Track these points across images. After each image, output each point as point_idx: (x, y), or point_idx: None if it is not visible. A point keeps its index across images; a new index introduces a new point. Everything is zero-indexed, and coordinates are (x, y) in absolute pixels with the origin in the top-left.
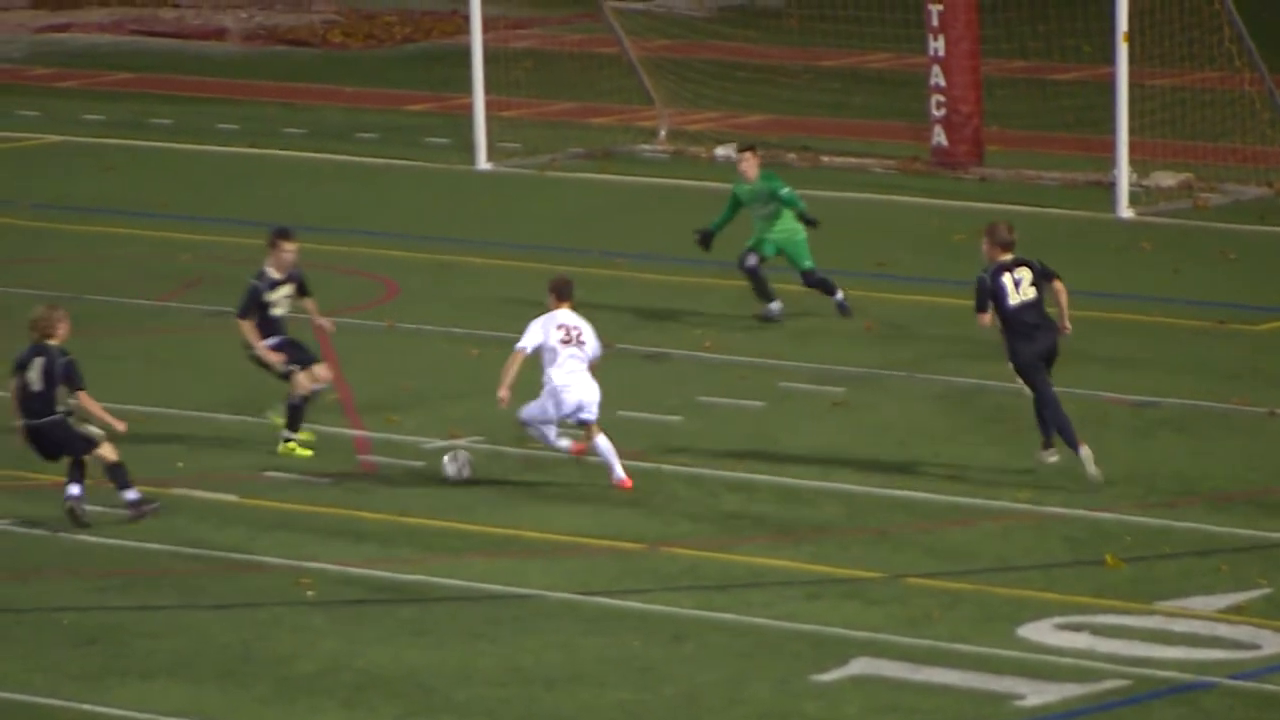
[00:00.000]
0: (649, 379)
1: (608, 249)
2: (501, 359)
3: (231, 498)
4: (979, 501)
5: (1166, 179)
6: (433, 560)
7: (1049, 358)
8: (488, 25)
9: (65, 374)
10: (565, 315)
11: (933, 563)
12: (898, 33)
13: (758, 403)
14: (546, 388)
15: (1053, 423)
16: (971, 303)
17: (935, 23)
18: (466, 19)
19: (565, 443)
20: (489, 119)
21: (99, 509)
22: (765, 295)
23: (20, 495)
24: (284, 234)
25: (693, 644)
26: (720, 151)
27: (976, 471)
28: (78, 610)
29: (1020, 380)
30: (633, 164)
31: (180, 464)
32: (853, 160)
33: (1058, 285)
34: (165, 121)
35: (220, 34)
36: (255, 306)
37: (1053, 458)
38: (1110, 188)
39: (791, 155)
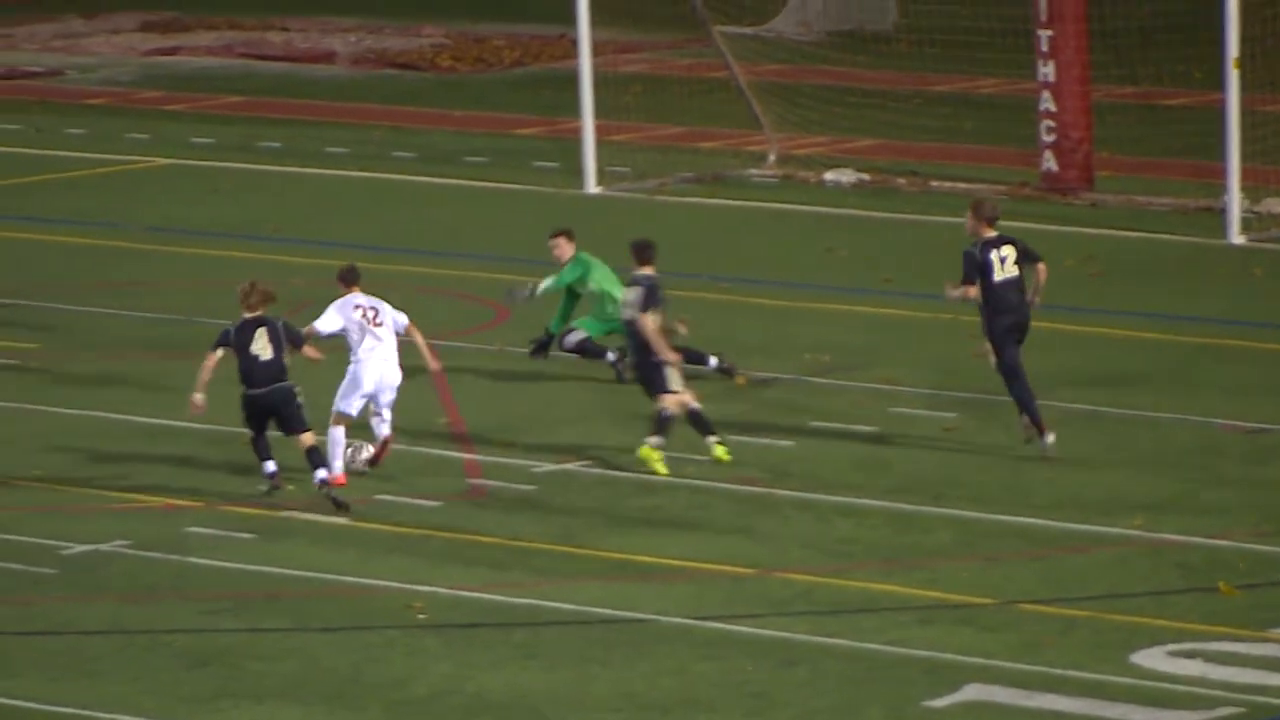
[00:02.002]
0: (761, 404)
1: (717, 273)
2: (613, 383)
3: (343, 521)
4: (1092, 528)
5: (1278, 205)
6: (545, 584)
7: (1022, 333)
8: (597, 49)
9: (290, 335)
10: (360, 297)
11: (1045, 589)
12: (1008, 58)
13: (870, 428)
14: (350, 368)
15: (1018, 397)
16: (961, 275)
17: (1045, 48)
18: (575, 43)
19: (322, 474)
20: (598, 143)
21: (213, 532)
22: (600, 355)
23: (133, 517)
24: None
25: (805, 669)
26: (829, 177)
27: (1090, 498)
28: (190, 633)
29: (990, 351)
30: (742, 188)
31: (291, 486)
32: (962, 185)
33: (1040, 266)
34: (274, 145)
35: (329, 57)
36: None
37: (1050, 438)
38: (1221, 214)
39: (901, 180)
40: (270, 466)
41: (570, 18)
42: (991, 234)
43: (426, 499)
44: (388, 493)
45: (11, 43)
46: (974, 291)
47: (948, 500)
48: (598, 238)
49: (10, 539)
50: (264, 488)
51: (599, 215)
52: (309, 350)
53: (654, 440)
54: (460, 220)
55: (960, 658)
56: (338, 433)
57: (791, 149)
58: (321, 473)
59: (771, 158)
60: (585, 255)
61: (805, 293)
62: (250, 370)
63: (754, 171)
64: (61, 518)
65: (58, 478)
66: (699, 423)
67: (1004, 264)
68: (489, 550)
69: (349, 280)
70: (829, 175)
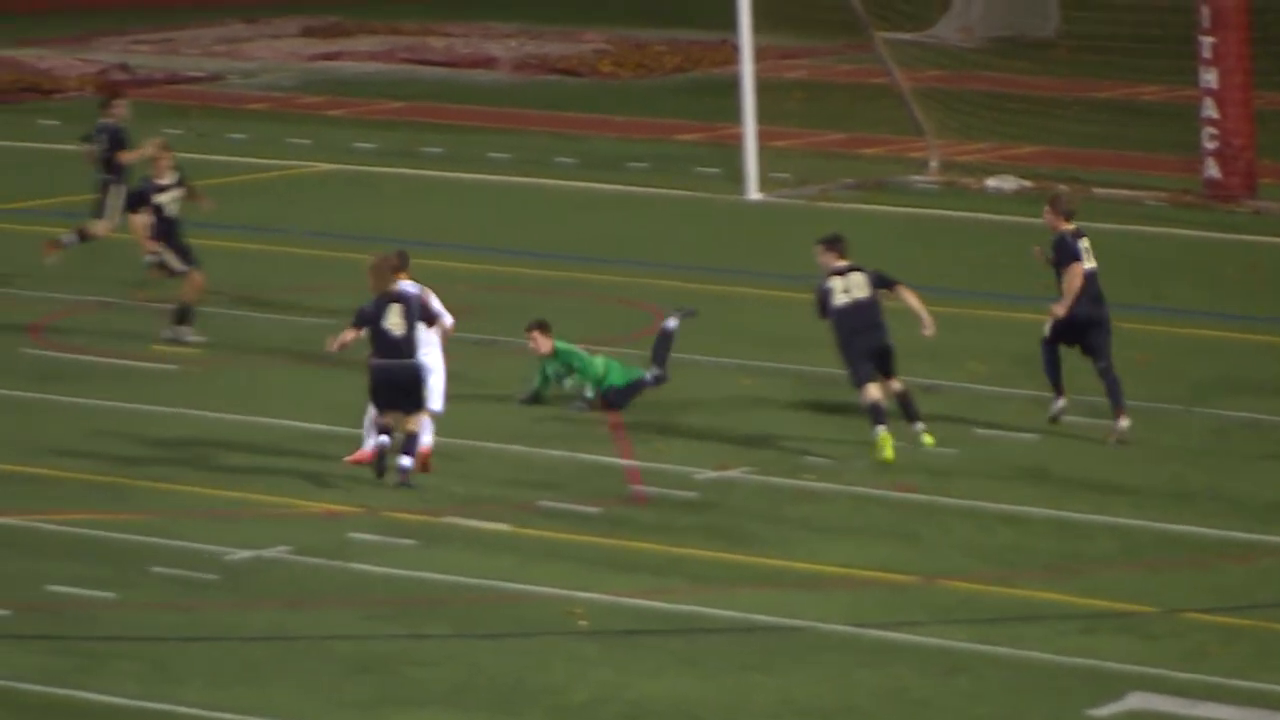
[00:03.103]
0: (924, 410)
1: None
2: (774, 390)
3: (504, 527)
4: (1257, 536)
5: None
6: (705, 591)
7: (1102, 324)
8: (758, 55)
9: (424, 311)
10: (405, 285)
11: (1210, 598)
12: (1169, 65)
13: (1033, 435)
14: None
15: (1046, 367)
16: None
17: (1208, 55)
18: (737, 49)
19: (371, 441)
20: (760, 149)
21: (375, 538)
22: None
23: (294, 523)
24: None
25: (967, 678)
26: (991, 183)
27: (1254, 506)
28: (351, 639)
29: (1049, 330)
30: (904, 195)
31: (461, 490)
32: (1124, 192)
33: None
34: (436, 150)
35: (490, 63)
36: None
37: (1063, 403)
38: None
39: (1063, 187)
40: (383, 439)
41: (732, 23)
42: (1070, 227)
43: (587, 505)
44: (548, 499)
45: (173, 47)
46: (1079, 275)
47: (1110, 508)
48: (759, 244)
49: (173, 544)
50: (377, 462)
51: (760, 221)
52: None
53: (879, 429)
54: (621, 226)
55: (1123, 666)
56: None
57: (953, 155)
58: (406, 460)
59: (933, 164)
60: (563, 345)
61: (967, 299)
62: (382, 343)
63: (916, 178)
64: (224, 523)
65: (219, 483)
66: (907, 408)
67: (1088, 255)
68: (649, 557)
69: (397, 267)
70: (991, 182)
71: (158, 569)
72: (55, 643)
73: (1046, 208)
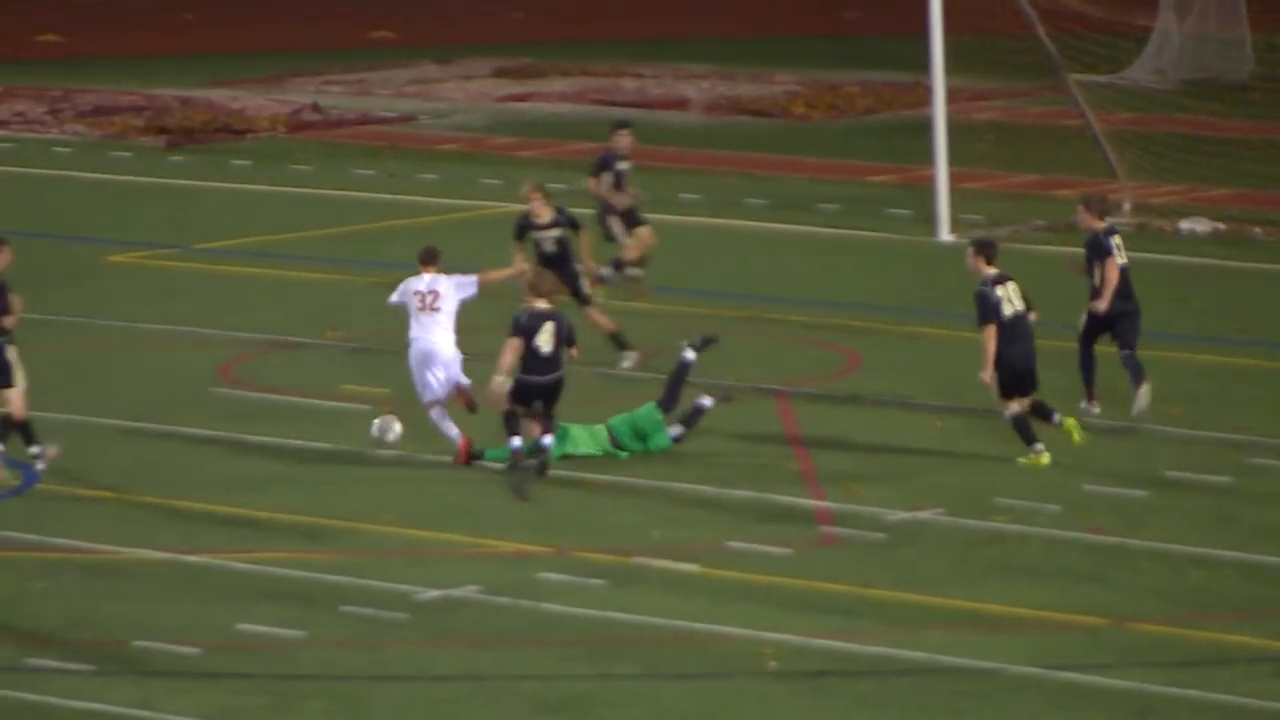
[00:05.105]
0: (1115, 453)
1: (1069, 322)
2: (964, 431)
3: (694, 568)
4: None
5: None
6: (894, 632)
7: (1132, 318)
8: (950, 97)
9: (570, 335)
10: (426, 279)
11: None
12: None
13: (1224, 478)
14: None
15: (1081, 364)
16: None
17: None
18: (929, 90)
19: (454, 431)
20: (951, 190)
21: (564, 578)
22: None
23: (484, 562)
24: None
25: None
26: (1184, 225)
27: None
28: (540, 679)
29: (1081, 326)
30: None
31: (656, 533)
32: None
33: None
34: None
35: (682, 104)
36: None
37: (1096, 409)
38: None
39: (1257, 229)
40: (516, 442)
41: (925, 65)
42: (1102, 226)
43: (777, 546)
44: (738, 539)
45: (365, 88)
46: (1114, 269)
47: None
48: (950, 286)
49: (363, 583)
50: (515, 463)
51: (952, 263)
52: (573, 352)
53: (1037, 447)
54: (813, 267)
55: None
56: (434, 413)
57: (1146, 197)
58: (548, 439)
59: (1126, 206)
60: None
61: (1159, 342)
62: (532, 360)
63: (1108, 220)
64: (413, 563)
65: (409, 522)
66: (1041, 412)
67: (1119, 250)
68: (839, 598)
69: (425, 260)
70: (1184, 224)
71: (347, 608)
72: (246, 681)
73: (1080, 208)
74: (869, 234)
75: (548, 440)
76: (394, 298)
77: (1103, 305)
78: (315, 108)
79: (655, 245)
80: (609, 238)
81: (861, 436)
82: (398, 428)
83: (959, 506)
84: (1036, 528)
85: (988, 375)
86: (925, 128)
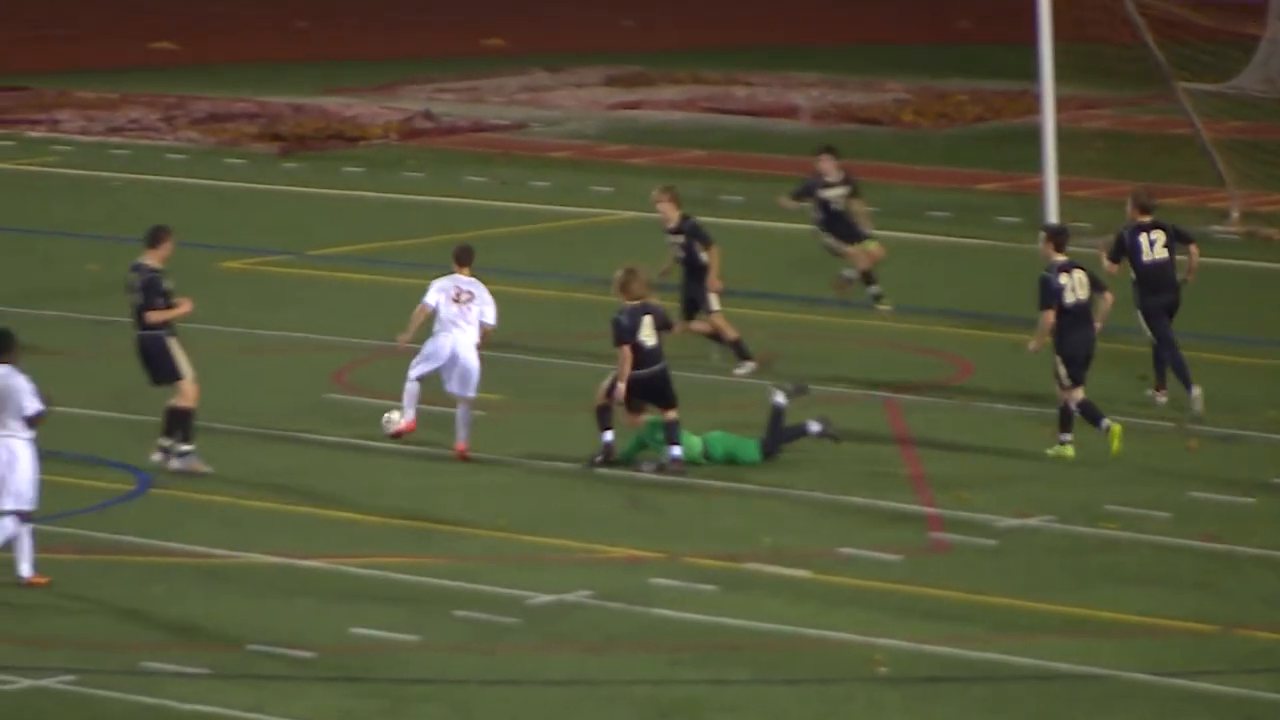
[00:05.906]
0: (1222, 460)
1: (1179, 330)
2: (1074, 442)
3: (805, 573)
4: None
5: None
6: (1006, 639)
7: (1171, 309)
8: (1060, 105)
9: (666, 320)
10: (463, 279)
11: None
12: None
13: None
14: (428, 340)
15: (1170, 363)
16: None
17: None
18: (1039, 98)
19: (410, 415)
20: (1060, 198)
21: (676, 583)
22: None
23: (596, 567)
24: None
25: None
26: None
27: None
28: (652, 684)
29: (1145, 325)
30: (1204, 245)
31: (768, 539)
32: None
33: (1193, 248)
34: (736, 198)
35: (792, 112)
36: None
37: (1162, 398)
38: None
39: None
40: (608, 436)
41: (1034, 73)
42: (1145, 219)
43: (888, 552)
44: (849, 545)
45: (478, 95)
46: (1116, 268)
47: None
48: None
49: (475, 588)
50: (598, 457)
51: None
52: (676, 329)
53: (1106, 421)
54: (923, 274)
55: None
56: (411, 387)
57: (1254, 206)
58: (676, 450)
59: (1234, 214)
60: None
61: (1265, 349)
62: (636, 354)
63: (1216, 228)
64: (526, 568)
65: (522, 527)
66: (1088, 413)
67: (1153, 246)
68: (950, 604)
69: (460, 260)
70: None
71: (460, 612)
72: (359, 685)
73: (1129, 201)
74: (978, 241)
75: (676, 452)
76: (429, 299)
77: (1034, 345)
78: (427, 115)
79: (880, 258)
80: (835, 254)
81: (970, 442)
82: (394, 418)
83: (1068, 513)
84: (1146, 534)
85: (1037, 345)
86: (1034, 135)
